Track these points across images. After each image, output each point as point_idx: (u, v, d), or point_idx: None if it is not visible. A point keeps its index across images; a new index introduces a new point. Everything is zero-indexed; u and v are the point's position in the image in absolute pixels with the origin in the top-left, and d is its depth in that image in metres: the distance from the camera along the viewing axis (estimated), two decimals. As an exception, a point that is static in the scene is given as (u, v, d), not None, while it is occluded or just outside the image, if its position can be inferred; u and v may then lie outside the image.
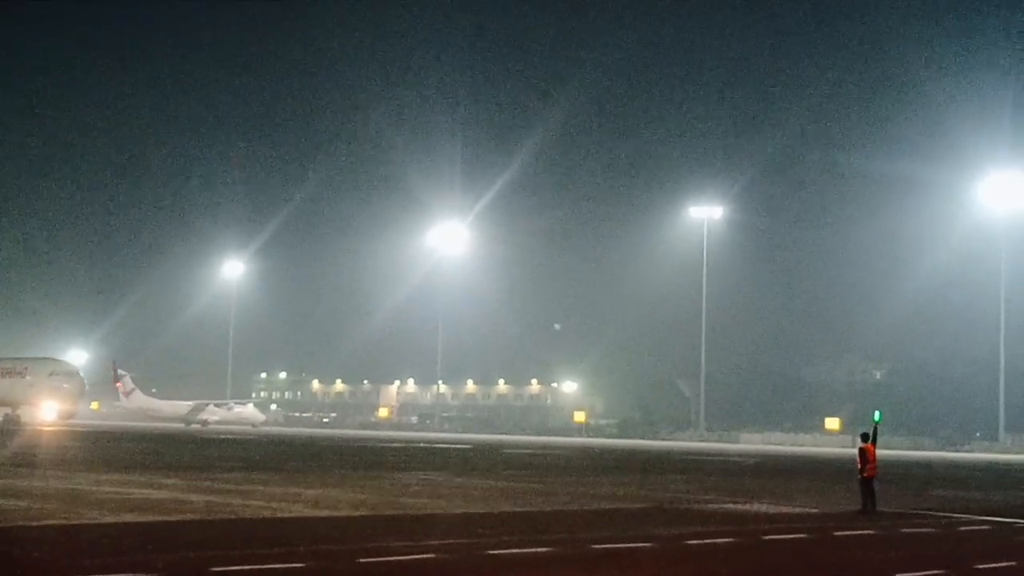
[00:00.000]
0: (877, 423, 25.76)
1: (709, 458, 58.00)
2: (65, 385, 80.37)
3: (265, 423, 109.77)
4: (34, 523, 17.61)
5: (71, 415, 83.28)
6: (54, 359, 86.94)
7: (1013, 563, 17.12)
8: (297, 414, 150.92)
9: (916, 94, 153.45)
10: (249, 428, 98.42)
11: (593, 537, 17.96)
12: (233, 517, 19.51)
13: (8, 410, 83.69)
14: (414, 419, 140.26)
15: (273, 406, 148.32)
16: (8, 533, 16.55)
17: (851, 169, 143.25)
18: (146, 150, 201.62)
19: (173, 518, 18.96)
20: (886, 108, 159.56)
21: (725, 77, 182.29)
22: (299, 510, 21.07)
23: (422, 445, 64.33)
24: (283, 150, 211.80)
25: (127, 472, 30.33)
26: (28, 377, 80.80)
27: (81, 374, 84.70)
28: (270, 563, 14.07)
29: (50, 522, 17.72)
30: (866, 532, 20.30)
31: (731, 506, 25.06)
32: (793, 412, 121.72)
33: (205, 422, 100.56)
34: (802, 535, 19.49)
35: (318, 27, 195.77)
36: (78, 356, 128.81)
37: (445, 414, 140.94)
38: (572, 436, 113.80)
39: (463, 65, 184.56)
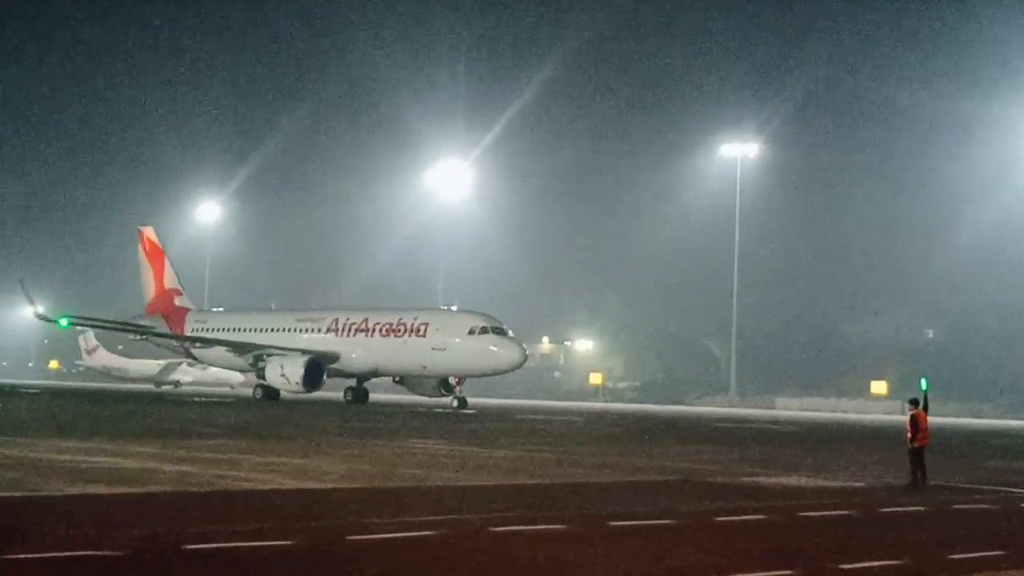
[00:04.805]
0: (925, 392, 25.82)
1: (741, 425, 58.17)
2: (496, 349, 64.62)
3: (244, 383, 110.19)
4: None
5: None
6: (473, 312, 68.84)
7: (1079, 543, 17.12)
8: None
9: (970, 20, 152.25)
10: (227, 389, 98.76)
11: (610, 512, 18.03)
12: (209, 490, 19.60)
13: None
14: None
15: None
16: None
17: (900, 103, 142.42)
18: (112, 79, 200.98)
19: (143, 490, 19.07)
20: (938, 36, 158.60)
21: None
22: (283, 481, 21.17)
23: (421, 409, 64.55)
24: (266, 79, 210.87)
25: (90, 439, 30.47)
26: (432, 336, 66.44)
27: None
28: (248, 540, 14.12)
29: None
30: (915, 508, 20.37)
31: (764, 479, 25.14)
32: (835, 374, 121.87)
33: (177, 383, 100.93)
34: (843, 511, 19.54)
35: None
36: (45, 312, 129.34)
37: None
38: (588, 400, 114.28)
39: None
